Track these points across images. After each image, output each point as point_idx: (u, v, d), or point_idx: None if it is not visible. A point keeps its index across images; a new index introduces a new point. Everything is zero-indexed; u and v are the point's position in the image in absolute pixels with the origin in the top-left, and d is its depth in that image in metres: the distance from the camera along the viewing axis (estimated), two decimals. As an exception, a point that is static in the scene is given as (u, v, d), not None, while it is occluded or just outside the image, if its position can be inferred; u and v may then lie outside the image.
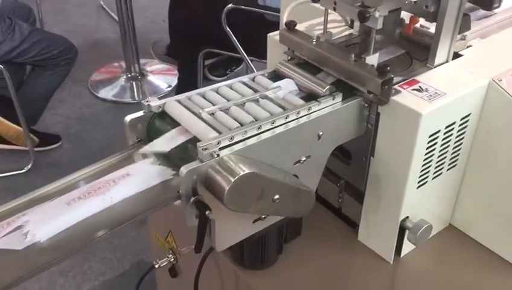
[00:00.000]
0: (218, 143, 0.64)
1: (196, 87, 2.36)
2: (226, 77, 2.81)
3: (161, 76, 2.98)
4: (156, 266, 1.09)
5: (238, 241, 0.75)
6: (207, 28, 2.17)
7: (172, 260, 1.09)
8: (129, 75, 2.91)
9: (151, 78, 2.96)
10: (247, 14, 1.94)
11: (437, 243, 0.91)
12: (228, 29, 1.94)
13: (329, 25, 0.88)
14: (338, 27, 0.94)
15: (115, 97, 2.82)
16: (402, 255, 0.89)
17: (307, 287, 0.85)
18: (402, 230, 0.85)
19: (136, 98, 2.86)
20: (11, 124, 2.17)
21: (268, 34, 0.95)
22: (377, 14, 0.74)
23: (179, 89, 2.52)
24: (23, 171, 2.22)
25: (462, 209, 0.92)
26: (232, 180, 0.61)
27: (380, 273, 0.88)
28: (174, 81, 2.94)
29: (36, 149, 2.28)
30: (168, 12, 2.52)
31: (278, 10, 1.95)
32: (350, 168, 0.88)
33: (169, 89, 2.88)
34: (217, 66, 2.82)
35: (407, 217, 0.83)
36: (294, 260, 0.88)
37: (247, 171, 0.62)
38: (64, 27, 3.31)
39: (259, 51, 2.05)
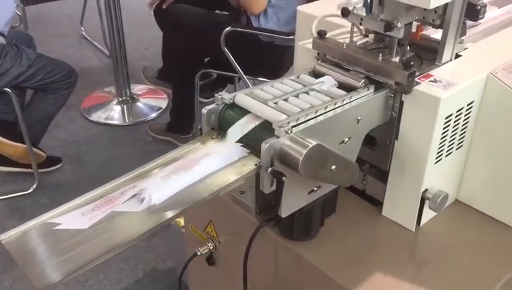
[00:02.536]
0: (289, 123, 0.79)
1: (192, 108, 2.53)
2: (213, 98, 2.96)
3: (151, 100, 3.11)
4: (198, 253, 1.22)
5: (297, 209, 0.89)
6: (205, 50, 2.33)
7: (212, 248, 1.22)
8: (120, 99, 3.03)
9: (141, 101, 3.09)
10: (243, 35, 2.11)
11: (448, 215, 1.09)
12: (227, 50, 2.11)
13: (347, 35, 1.07)
14: (355, 36, 1.11)
15: (107, 120, 2.93)
16: (421, 224, 1.05)
17: (344, 253, 1.00)
18: (422, 201, 1.01)
19: (127, 121, 2.97)
20: (19, 144, 2.25)
21: (298, 43, 1.11)
22: (399, 25, 0.92)
23: (174, 110, 2.65)
24: (29, 191, 2.29)
25: (467, 186, 1.10)
26: (304, 151, 0.77)
27: (405, 240, 1.03)
28: (163, 104, 3.07)
29: (39, 171, 2.35)
30: (163, 38, 2.67)
31: (271, 31, 2.14)
32: (375, 152, 1.04)
33: (159, 111, 3.01)
34: (204, 88, 2.98)
35: (427, 189, 1.00)
36: (331, 232, 1.03)
37: (314, 143, 0.78)
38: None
39: (254, 70, 2.24)
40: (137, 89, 3.17)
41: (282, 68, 2.30)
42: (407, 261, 1.01)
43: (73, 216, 0.70)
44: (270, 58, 2.25)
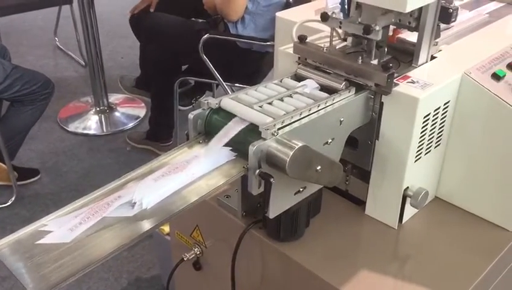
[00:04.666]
0: (275, 125, 0.81)
1: (171, 115, 2.54)
2: (191, 106, 2.98)
3: (129, 108, 3.11)
4: (185, 259, 1.22)
5: (284, 210, 0.91)
6: (183, 58, 2.34)
7: (198, 253, 1.23)
8: (97, 109, 3.01)
9: (119, 111, 3.07)
10: (221, 42, 2.13)
11: (428, 211, 1.12)
12: (205, 57, 2.12)
13: (326, 39, 1.10)
14: (334, 40, 1.14)
15: (85, 130, 2.91)
16: (403, 221, 1.08)
17: (330, 252, 1.02)
18: (404, 199, 1.04)
19: (105, 131, 2.96)
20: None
21: (279, 48, 1.14)
22: (377, 28, 0.95)
23: (153, 118, 2.65)
24: (7, 204, 2.26)
25: (446, 183, 1.13)
26: (291, 152, 0.79)
27: (388, 237, 1.06)
28: (141, 113, 3.07)
29: (17, 183, 2.32)
30: (140, 47, 2.67)
31: (249, 38, 2.17)
32: (357, 152, 1.07)
33: (137, 120, 3.00)
34: (182, 96, 2.98)
35: (408, 187, 1.03)
36: (317, 232, 1.05)
37: (300, 144, 0.80)
38: (23, 68, 3.37)
39: (232, 76, 2.26)
40: (114, 98, 3.16)
41: (260, 74, 2.33)
42: (390, 258, 1.03)
43: (58, 228, 0.69)
44: (248, 64, 2.27)
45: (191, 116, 0.88)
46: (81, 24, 2.81)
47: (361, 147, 1.06)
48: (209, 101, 0.88)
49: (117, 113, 3.06)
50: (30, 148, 2.67)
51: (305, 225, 1.04)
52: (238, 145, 0.84)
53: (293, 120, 0.85)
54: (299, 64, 1.07)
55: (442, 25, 1.23)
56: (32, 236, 0.69)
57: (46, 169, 2.55)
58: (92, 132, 2.91)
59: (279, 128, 0.82)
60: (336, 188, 1.15)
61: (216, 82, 2.25)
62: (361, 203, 1.12)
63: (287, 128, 0.84)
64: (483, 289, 1.01)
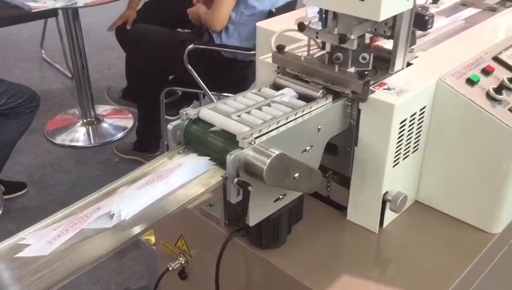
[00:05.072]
0: (252, 134, 0.83)
1: (158, 126, 2.56)
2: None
3: (116, 120, 3.11)
4: (170, 268, 1.23)
5: (264, 217, 0.92)
6: (169, 69, 2.35)
7: (183, 262, 1.24)
8: (85, 121, 3.02)
9: (106, 122, 3.08)
10: (206, 52, 2.15)
11: (408, 215, 1.13)
12: (190, 67, 2.14)
13: (304, 48, 1.12)
14: (313, 49, 1.16)
15: (72, 142, 2.91)
16: (384, 226, 1.10)
17: (312, 258, 1.03)
18: (383, 204, 1.06)
19: (93, 142, 2.96)
20: None
21: (259, 58, 1.15)
22: (352, 37, 0.97)
23: (140, 129, 2.66)
24: (-6, 218, 2.26)
25: (425, 187, 1.15)
26: (268, 161, 0.80)
27: (369, 241, 1.08)
28: (129, 124, 3.07)
29: (4, 197, 2.32)
30: (126, 58, 2.68)
31: (233, 47, 2.19)
32: (337, 159, 1.08)
33: (125, 131, 3.00)
34: (170, 106, 2.99)
35: (387, 192, 1.05)
36: (299, 239, 1.07)
37: (277, 152, 0.81)
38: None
39: (218, 85, 2.27)
40: (102, 109, 3.16)
41: (246, 83, 2.35)
42: (372, 262, 1.05)
43: (36, 241, 0.70)
44: (233, 73, 2.29)
45: (170, 127, 0.89)
46: (66, 35, 2.82)
47: (341, 153, 1.07)
48: (188, 112, 0.89)
49: (104, 125, 3.06)
50: (17, 161, 2.66)
51: (287, 232, 1.05)
52: (217, 155, 0.85)
53: (270, 129, 0.86)
54: (278, 73, 1.09)
55: (419, 32, 1.26)
56: (12, 249, 0.69)
57: (33, 182, 2.54)
58: (79, 143, 2.91)
59: (256, 137, 0.83)
60: (317, 194, 1.16)
61: (202, 92, 2.26)
62: (342, 208, 1.13)
63: (265, 137, 0.85)
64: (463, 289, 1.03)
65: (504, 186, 1.03)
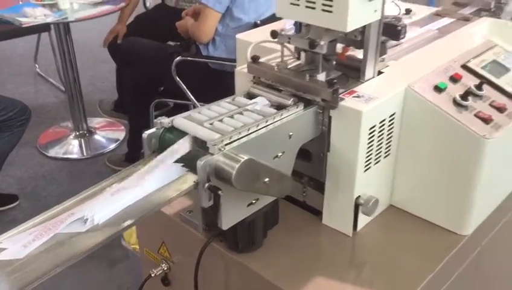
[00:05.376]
0: (222, 141, 0.86)
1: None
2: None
3: (108, 132, 3.15)
4: (152, 275, 1.26)
5: (237, 221, 0.95)
6: (158, 81, 2.39)
7: (166, 268, 1.27)
8: (77, 133, 3.05)
9: (98, 134, 3.11)
10: (194, 64, 2.20)
11: (382, 219, 1.17)
12: (178, 79, 2.18)
13: (280, 58, 1.16)
14: (289, 59, 1.20)
15: (65, 155, 2.94)
16: (358, 229, 1.13)
17: (288, 262, 1.06)
18: (356, 208, 1.09)
19: (85, 154, 2.99)
20: None
21: (236, 69, 1.19)
22: (322, 42, 1.01)
23: (131, 140, 2.69)
24: (-15, 230, 2.27)
25: (398, 191, 1.18)
26: (237, 165, 0.83)
27: (344, 245, 1.11)
28: (121, 136, 3.11)
29: (-4, 209, 2.35)
30: (116, 71, 2.73)
31: (220, 59, 2.23)
32: (311, 165, 1.12)
33: (117, 143, 3.04)
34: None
35: (359, 195, 1.08)
36: (275, 243, 1.10)
37: (246, 158, 0.85)
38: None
39: (206, 96, 2.31)
40: (95, 122, 3.20)
41: (233, 93, 2.38)
42: (346, 265, 1.08)
43: (12, 245, 0.73)
44: (221, 84, 2.32)
45: (144, 135, 0.92)
46: (58, 50, 2.87)
47: (314, 159, 1.11)
48: (162, 121, 0.93)
49: (97, 137, 3.10)
50: (8, 174, 2.69)
51: (263, 236, 1.08)
52: (190, 162, 0.89)
53: (240, 136, 0.90)
54: (254, 83, 1.13)
55: (393, 42, 1.30)
56: (-11, 254, 0.72)
57: (25, 194, 2.57)
58: (71, 156, 2.95)
59: (226, 144, 0.87)
60: (294, 200, 1.20)
61: (192, 103, 2.30)
62: (318, 213, 1.17)
63: (235, 144, 0.89)
64: (434, 290, 1.06)
65: (472, 190, 1.07)
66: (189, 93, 2.21)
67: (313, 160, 1.11)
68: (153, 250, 1.29)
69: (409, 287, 1.00)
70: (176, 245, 1.23)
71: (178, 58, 2.14)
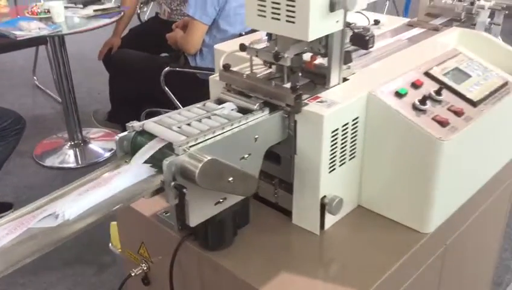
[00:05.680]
0: (187, 143, 0.93)
1: (140, 145, 2.58)
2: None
3: (103, 141, 3.22)
4: (133, 274, 1.31)
5: (204, 219, 1.01)
6: (148, 91, 2.47)
7: (145, 268, 1.32)
8: (72, 143, 3.12)
9: (93, 144, 3.18)
10: (183, 74, 2.27)
11: (350, 218, 1.22)
12: (167, 89, 2.25)
13: (255, 67, 1.22)
14: (261, 68, 1.27)
15: (60, 164, 3.01)
16: (325, 228, 1.18)
17: (259, 259, 1.12)
18: (323, 208, 1.15)
19: (80, 163, 3.06)
20: None
21: (210, 76, 1.26)
22: (285, 55, 1.08)
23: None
24: (-20, 237, 2.33)
25: (365, 191, 1.24)
26: (200, 165, 0.89)
27: (312, 243, 1.16)
28: (115, 145, 3.17)
29: (-10, 216, 2.40)
30: (109, 82, 2.80)
31: (208, 69, 2.30)
32: (280, 167, 1.18)
33: (112, 151, 3.10)
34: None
35: (325, 196, 1.14)
36: (246, 241, 1.15)
37: (209, 158, 0.91)
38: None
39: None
40: (91, 132, 3.27)
41: (221, 103, 2.45)
42: (315, 261, 1.13)
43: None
44: (208, 93, 2.40)
45: (117, 138, 0.99)
46: (53, 62, 2.95)
47: (283, 161, 1.17)
48: (133, 124, 0.99)
49: (91, 146, 3.17)
50: (4, 183, 2.76)
51: (233, 234, 1.13)
52: (158, 162, 0.94)
53: (206, 138, 0.96)
54: (227, 90, 1.19)
55: (362, 50, 1.37)
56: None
57: (21, 203, 2.63)
58: (66, 165, 3.01)
59: (191, 145, 0.93)
60: (266, 201, 1.26)
61: (180, 112, 2.37)
62: (289, 213, 1.22)
63: (200, 145, 0.95)
64: (395, 286, 1.11)
65: (431, 189, 1.13)
66: (177, 102, 2.28)
67: (282, 162, 1.17)
68: (134, 251, 1.35)
69: (370, 280, 1.05)
70: (154, 245, 1.29)
71: (166, 68, 2.21)
